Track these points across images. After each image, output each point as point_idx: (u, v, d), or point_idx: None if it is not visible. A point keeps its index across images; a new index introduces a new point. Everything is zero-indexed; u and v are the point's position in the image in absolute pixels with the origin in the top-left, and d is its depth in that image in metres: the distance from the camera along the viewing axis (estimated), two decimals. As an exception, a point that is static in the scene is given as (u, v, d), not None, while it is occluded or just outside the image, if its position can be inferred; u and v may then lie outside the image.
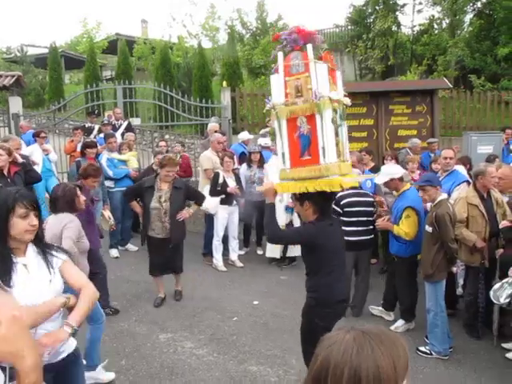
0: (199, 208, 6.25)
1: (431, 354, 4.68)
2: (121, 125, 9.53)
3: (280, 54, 3.46)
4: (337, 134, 3.43)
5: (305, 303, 3.65)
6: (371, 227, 5.50)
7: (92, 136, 9.16)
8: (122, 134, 8.90)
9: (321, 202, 3.48)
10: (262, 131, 9.29)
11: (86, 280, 2.50)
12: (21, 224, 2.27)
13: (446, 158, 5.96)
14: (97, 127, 9.56)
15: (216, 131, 8.25)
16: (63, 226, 3.81)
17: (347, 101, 3.62)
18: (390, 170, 5.30)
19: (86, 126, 9.73)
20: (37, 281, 2.32)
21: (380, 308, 5.62)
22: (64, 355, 2.55)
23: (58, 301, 2.34)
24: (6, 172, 5.45)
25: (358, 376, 1.03)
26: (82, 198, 4.14)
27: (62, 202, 3.93)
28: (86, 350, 3.93)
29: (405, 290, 5.26)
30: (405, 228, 4.98)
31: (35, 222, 2.31)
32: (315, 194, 3.37)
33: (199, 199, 6.00)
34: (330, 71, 3.50)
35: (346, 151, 3.63)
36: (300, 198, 3.50)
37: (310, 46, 3.32)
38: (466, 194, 5.09)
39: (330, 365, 1.06)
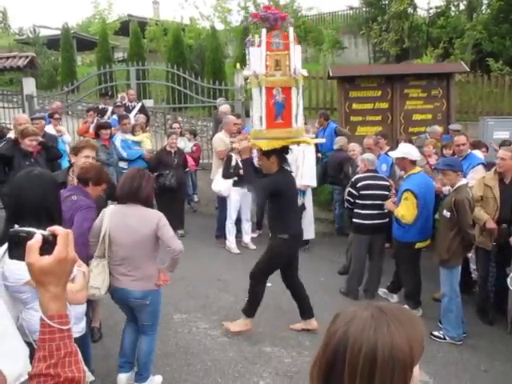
0: None
1: (445, 339, 4.68)
2: (134, 106, 9.52)
3: (264, 31, 4.07)
4: None
5: (273, 242, 4.64)
6: (386, 211, 5.47)
7: (106, 117, 9.15)
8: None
9: (282, 156, 4.38)
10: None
11: None
12: None
13: (458, 145, 5.90)
14: (110, 109, 9.55)
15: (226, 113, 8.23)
16: (156, 224, 3.34)
17: (305, 72, 4.33)
18: (407, 149, 5.24)
19: (100, 107, 9.73)
20: None
21: (384, 289, 5.63)
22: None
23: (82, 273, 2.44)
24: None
25: (375, 353, 1.02)
26: None
27: (146, 193, 3.39)
28: (143, 362, 3.64)
29: (405, 275, 5.27)
30: (401, 210, 4.97)
31: None
32: (280, 151, 4.27)
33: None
34: None
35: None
36: (268, 153, 4.25)
37: (291, 29, 4.08)
38: (484, 175, 5.05)
39: (349, 341, 1.05)
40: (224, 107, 8.64)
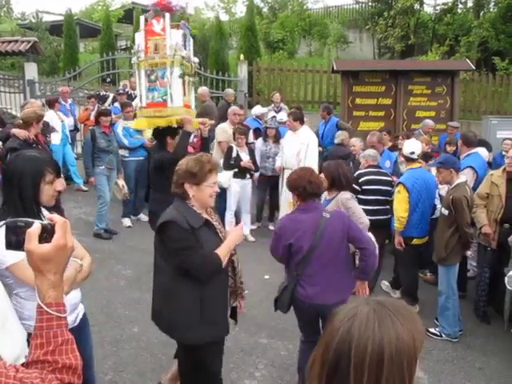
0: None
1: (441, 336, 4.68)
2: (136, 95, 9.46)
3: (142, 18, 4.54)
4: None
5: None
6: (388, 207, 5.46)
7: (106, 104, 9.11)
8: (138, 104, 8.85)
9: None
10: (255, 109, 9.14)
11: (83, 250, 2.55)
12: (49, 190, 2.31)
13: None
14: (111, 96, 9.50)
15: (205, 99, 8.30)
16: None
17: (195, 60, 4.79)
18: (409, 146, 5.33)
19: (101, 94, 9.68)
20: None
21: (387, 283, 5.68)
22: (80, 317, 2.62)
23: (77, 265, 2.38)
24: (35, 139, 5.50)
25: (382, 349, 1.00)
26: None
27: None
28: None
29: (402, 271, 5.32)
30: (394, 203, 5.05)
31: (60, 187, 2.36)
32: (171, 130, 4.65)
33: None
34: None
35: (192, 100, 4.87)
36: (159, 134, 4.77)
37: (168, 15, 4.32)
38: (494, 173, 5.04)
39: (353, 338, 1.02)
40: (202, 89, 8.52)
